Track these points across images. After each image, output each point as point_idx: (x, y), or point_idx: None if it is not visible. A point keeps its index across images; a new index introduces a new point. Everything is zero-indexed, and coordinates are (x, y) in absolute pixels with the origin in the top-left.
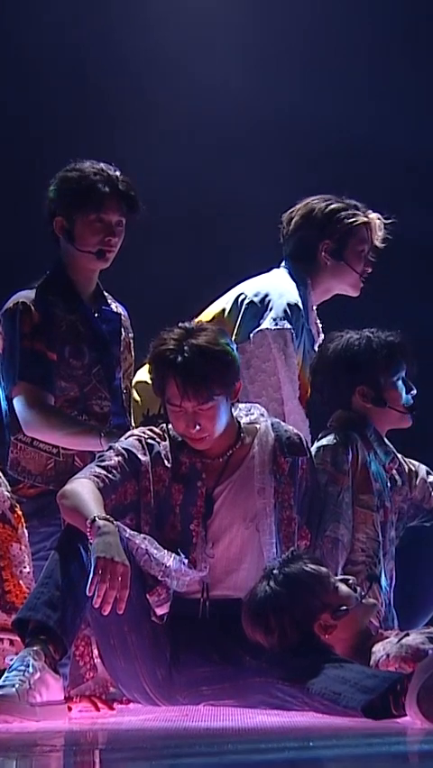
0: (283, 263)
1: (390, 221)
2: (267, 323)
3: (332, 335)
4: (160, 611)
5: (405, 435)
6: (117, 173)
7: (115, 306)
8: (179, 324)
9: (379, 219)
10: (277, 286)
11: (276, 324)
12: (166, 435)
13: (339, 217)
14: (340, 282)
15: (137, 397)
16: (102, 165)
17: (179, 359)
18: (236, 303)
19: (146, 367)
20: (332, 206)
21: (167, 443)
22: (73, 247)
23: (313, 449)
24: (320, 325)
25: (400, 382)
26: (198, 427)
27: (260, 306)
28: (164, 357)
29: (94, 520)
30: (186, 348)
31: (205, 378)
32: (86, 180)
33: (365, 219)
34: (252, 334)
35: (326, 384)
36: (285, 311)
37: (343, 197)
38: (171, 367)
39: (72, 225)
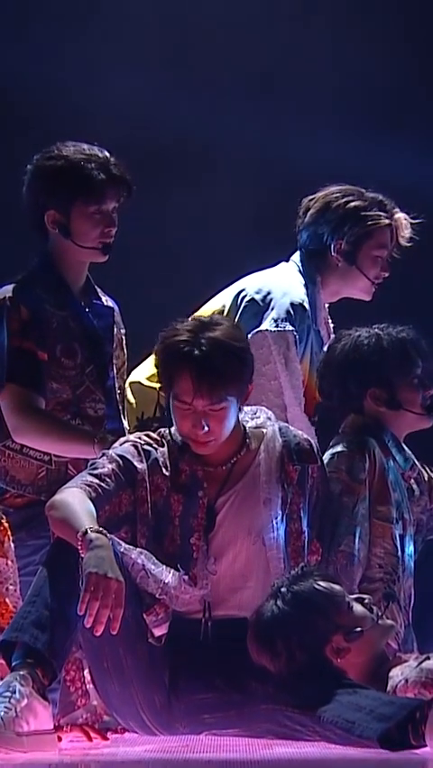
0: (295, 255)
1: (418, 220)
2: (267, 323)
3: (340, 334)
4: (158, 632)
5: (421, 438)
6: (106, 154)
7: (106, 300)
8: (194, 316)
9: (406, 219)
10: (281, 283)
11: (277, 326)
12: (164, 441)
13: (357, 217)
14: (350, 286)
15: (131, 399)
16: (86, 147)
17: (196, 352)
18: (236, 300)
19: (141, 367)
20: (352, 204)
21: (165, 449)
22: (70, 242)
23: (326, 456)
24: (332, 325)
25: (415, 381)
26: (205, 429)
27: (261, 305)
28: (177, 349)
29: (85, 533)
30: (203, 341)
31: (222, 375)
32: (79, 169)
33: (387, 222)
34: (250, 335)
35: (334, 388)
36: (288, 311)
37: (368, 191)
38: (186, 360)
39: (68, 219)
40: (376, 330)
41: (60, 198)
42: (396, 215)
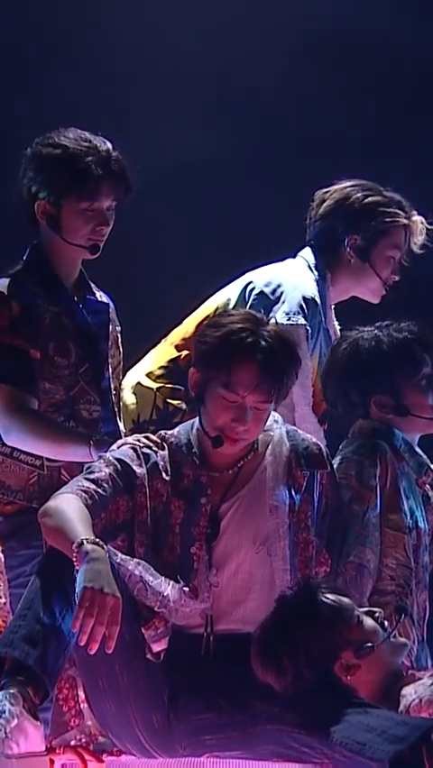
0: (304, 251)
1: None
2: (279, 317)
3: (341, 338)
4: (156, 648)
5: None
6: (108, 147)
7: (100, 296)
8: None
9: (422, 223)
10: (291, 276)
11: (289, 319)
12: (165, 444)
13: (376, 212)
14: (360, 285)
15: (127, 401)
16: (89, 137)
17: (263, 343)
18: (243, 293)
19: (137, 367)
20: (371, 198)
21: (165, 452)
22: (59, 236)
23: (335, 461)
24: (338, 327)
25: (423, 383)
26: (247, 425)
27: (271, 298)
28: (239, 338)
29: (81, 544)
30: (265, 334)
31: (284, 371)
32: (75, 162)
33: (405, 222)
34: None
35: (337, 397)
36: (300, 305)
37: (387, 190)
38: (252, 350)
39: (59, 212)
40: (375, 331)
41: (53, 190)
42: (413, 217)
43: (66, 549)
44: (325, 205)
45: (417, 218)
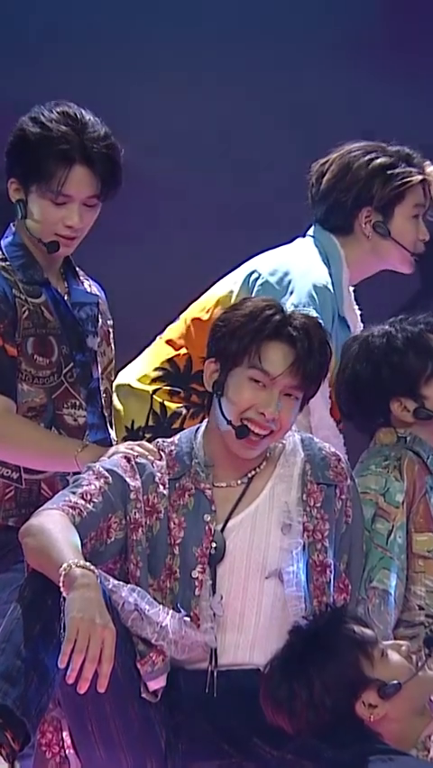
0: (311, 231)
1: None
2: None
3: (354, 338)
4: (153, 686)
5: None
6: (96, 130)
7: (89, 286)
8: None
9: None
10: (299, 262)
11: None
12: (162, 453)
13: (385, 177)
14: (384, 260)
15: (119, 405)
16: (78, 115)
17: (295, 322)
18: (247, 283)
19: (130, 366)
20: (376, 162)
21: (163, 462)
22: (24, 224)
23: (355, 474)
24: (359, 312)
25: None
26: (276, 413)
27: (278, 288)
28: (268, 315)
29: (69, 568)
30: (294, 315)
31: (320, 355)
32: (45, 145)
33: (420, 177)
34: None
35: (352, 406)
36: (311, 295)
37: (390, 146)
38: (283, 325)
39: (26, 197)
40: (387, 327)
41: (20, 173)
42: (428, 168)
43: (51, 573)
44: (325, 179)
45: (431, 168)
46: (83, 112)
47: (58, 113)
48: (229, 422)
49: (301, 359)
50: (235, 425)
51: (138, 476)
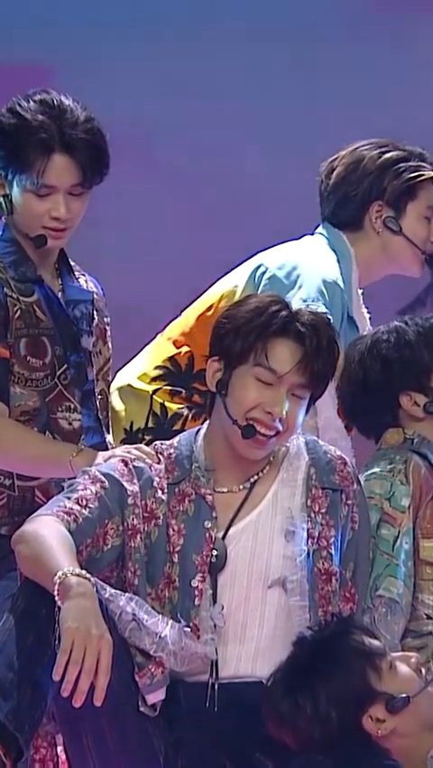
0: (320, 228)
1: None
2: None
3: (359, 339)
4: (151, 699)
5: None
6: (75, 115)
7: (85, 281)
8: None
9: None
10: (309, 257)
11: (307, 307)
12: (161, 456)
13: (396, 171)
14: (394, 260)
15: (117, 407)
16: (55, 101)
17: (303, 318)
18: (253, 278)
19: (129, 366)
20: (388, 155)
21: (162, 466)
22: (12, 219)
23: (361, 478)
24: (367, 315)
25: None
26: (284, 413)
27: (285, 283)
28: (274, 311)
29: (64, 576)
30: (301, 311)
31: (328, 353)
32: (24, 133)
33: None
34: None
35: (358, 407)
36: (320, 290)
37: (403, 143)
38: (290, 322)
39: (10, 190)
40: (397, 323)
41: (1, 167)
42: None
43: (45, 582)
44: (335, 174)
45: None
46: (62, 98)
47: (35, 101)
48: (235, 421)
49: (309, 356)
50: (241, 424)
51: (136, 480)
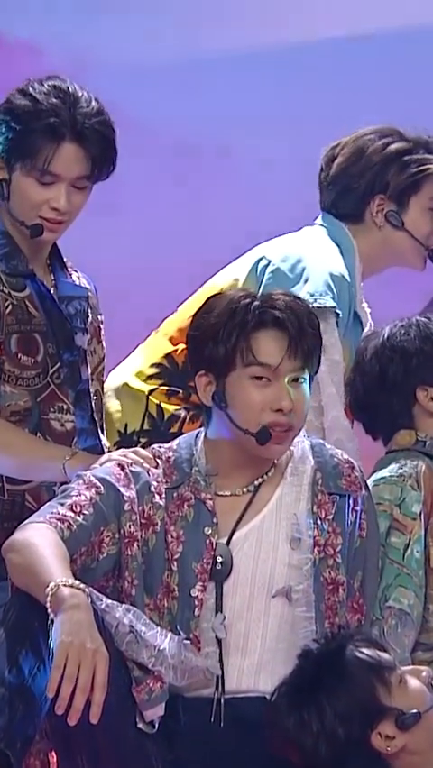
0: (320, 219)
1: None
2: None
3: (369, 335)
4: (150, 715)
5: None
6: (90, 105)
7: (78, 278)
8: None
9: None
10: (313, 249)
11: (315, 301)
12: (159, 460)
13: (401, 164)
14: (396, 254)
15: (112, 408)
16: (70, 88)
17: (277, 303)
18: (255, 271)
19: (122, 366)
20: (393, 146)
21: (160, 471)
22: (6, 207)
23: (370, 483)
24: (368, 310)
25: None
26: (291, 403)
27: (290, 276)
28: (245, 304)
29: (56, 588)
30: (272, 295)
31: (310, 327)
32: (34, 116)
33: None
34: None
35: (369, 402)
36: (328, 283)
37: (407, 132)
38: (265, 310)
39: (9, 176)
40: (417, 318)
41: (4, 150)
42: None
43: (37, 593)
44: (337, 163)
45: None
46: (76, 86)
47: (49, 86)
48: (246, 431)
49: (296, 339)
50: (255, 432)
51: (133, 485)
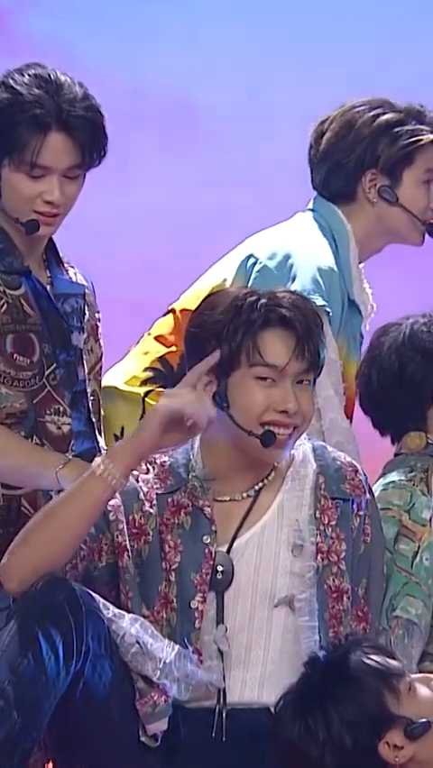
0: (311, 203)
1: None
2: None
3: (387, 328)
4: (153, 729)
5: None
6: (73, 91)
7: (75, 274)
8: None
9: None
10: (301, 243)
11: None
12: (152, 465)
13: (391, 136)
14: (391, 231)
15: (106, 411)
16: (52, 76)
17: (284, 301)
18: (243, 269)
19: (118, 366)
20: (383, 117)
21: (150, 476)
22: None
23: (376, 488)
24: (370, 292)
25: None
26: (296, 404)
27: (277, 274)
28: (251, 302)
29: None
30: (277, 294)
31: (317, 327)
32: (17, 109)
33: (432, 137)
34: None
35: (384, 398)
36: (316, 280)
37: (398, 103)
38: (273, 308)
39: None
40: (424, 317)
41: None
42: None
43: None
44: (326, 138)
45: None
46: (57, 73)
47: (30, 75)
48: (250, 432)
49: (303, 339)
50: (258, 433)
51: (117, 494)
